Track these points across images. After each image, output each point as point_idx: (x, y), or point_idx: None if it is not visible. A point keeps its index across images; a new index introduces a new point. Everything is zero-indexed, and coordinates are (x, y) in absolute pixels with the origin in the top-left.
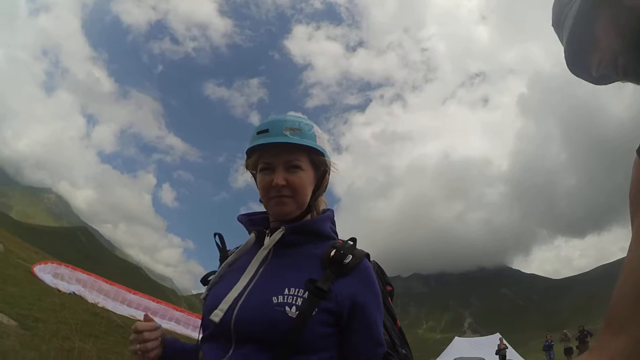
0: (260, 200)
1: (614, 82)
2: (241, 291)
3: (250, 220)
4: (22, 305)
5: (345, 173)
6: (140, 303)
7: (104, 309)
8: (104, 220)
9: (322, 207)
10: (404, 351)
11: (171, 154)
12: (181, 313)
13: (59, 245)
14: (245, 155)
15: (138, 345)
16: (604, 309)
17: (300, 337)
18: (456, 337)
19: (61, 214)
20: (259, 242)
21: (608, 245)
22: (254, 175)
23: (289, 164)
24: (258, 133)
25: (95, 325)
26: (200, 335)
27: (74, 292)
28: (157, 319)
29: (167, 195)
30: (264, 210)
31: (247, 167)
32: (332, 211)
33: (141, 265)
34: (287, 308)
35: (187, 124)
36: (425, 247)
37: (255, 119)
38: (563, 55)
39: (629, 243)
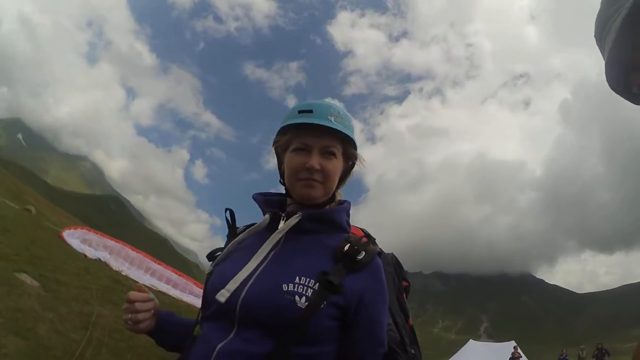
0: (280, 181)
1: None
2: (250, 273)
3: (266, 201)
4: (47, 268)
5: (377, 164)
6: (163, 274)
7: (126, 277)
8: (135, 191)
9: (339, 198)
10: (412, 351)
11: (206, 131)
12: (200, 289)
13: (90, 212)
14: (277, 133)
15: (129, 315)
16: (624, 330)
17: (306, 329)
18: (471, 340)
19: (94, 182)
20: (272, 225)
21: (635, 265)
22: (278, 156)
23: (325, 149)
24: (300, 112)
25: (116, 292)
26: (201, 313)
27: (99, 259)
28: (177, 292)
29: (199, 171)
30: (281, 192)
31: (277, 144)
32: (349, 203)
33: (168, 238)
34: (296, 297)
35: (224, 103)
36: (449, 246)
37: (291, 103)
38: (604, 68)
39: None
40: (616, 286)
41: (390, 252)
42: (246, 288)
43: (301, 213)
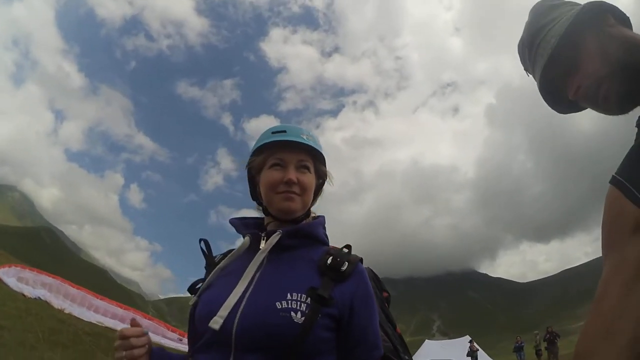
0: (256, 202)
1: (579, 111)
2: (240, 296)
3: (243, 224)
4: None
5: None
6: (108, 309)
7: (70, 316)
8: (69, 220)
9: (312, 215)
10: (406, 357)
11: (140, 153)
12: (149, 321)
13: (23, 246)
14: (251, 154)
15: (124, 352)
16: (570, 311)
17: (305, 343)
18: (427, 340)
19: (25, 212)
20: (253, 246)
21: (572, 250)
22: (252, 177)
23: (300, 163)
24: (273, 133)
25: (63, 333)
26: (190, 347)
27: (39, 297)
28: (125, 326)
29: (135, 196)
30: (257, 217)
31: (251, 165)
32: (324, 217)
33: (107, 269)
34: (292, 314)
35: (158, 123)
36: (394, 251)
37: (227, 121)
38: (533, 74)
39: (591, 249)
40: (557, 272)
41: (366, 266)
42: (239, 312)
43: (281, 230)
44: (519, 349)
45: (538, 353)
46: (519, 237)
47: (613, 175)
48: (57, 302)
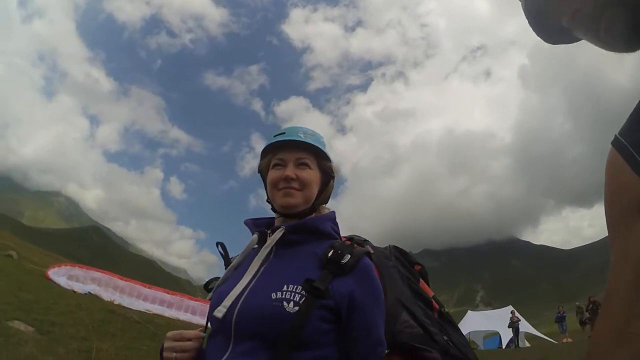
0: (267, 200)
1: (573, 42)
2: (244, 288)
3: (254, 224)
4: (38, 311)
5: (350, 153)
6: (156, 297)
7: (120, 306)
8: (114, 218)
9: (325, 212)
10: (445, 337)
11: (176, 147)
12: (197, 302)
13: (72, 247)
14: (260, 157)
15: (174, 354)
16: None
17: (301, 333)
18: (469, 311)
19: (71, 215)
20: (261, 243)
21: None
22: (264, 179)
23: (299, 161)
24: (275, 136)
25: (112, 323)
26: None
27: (89, 292)
28: (173, 311)
29: (176, 188)
30: (271, 214)
31: (261, 168)
32: (334, 212)
33: (155, 259)
34: (284, 303)
35: (190, 116)
36: (433, 222)
37: (257, 106)
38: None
39: None
40: (601, 237)
41: (387, 245)
42: (240, 302)
43: (284, 226)
44: (560, 319)
45: (584, 322)
46: (561, 202)
47: (616, 136)
48: (107, 295)
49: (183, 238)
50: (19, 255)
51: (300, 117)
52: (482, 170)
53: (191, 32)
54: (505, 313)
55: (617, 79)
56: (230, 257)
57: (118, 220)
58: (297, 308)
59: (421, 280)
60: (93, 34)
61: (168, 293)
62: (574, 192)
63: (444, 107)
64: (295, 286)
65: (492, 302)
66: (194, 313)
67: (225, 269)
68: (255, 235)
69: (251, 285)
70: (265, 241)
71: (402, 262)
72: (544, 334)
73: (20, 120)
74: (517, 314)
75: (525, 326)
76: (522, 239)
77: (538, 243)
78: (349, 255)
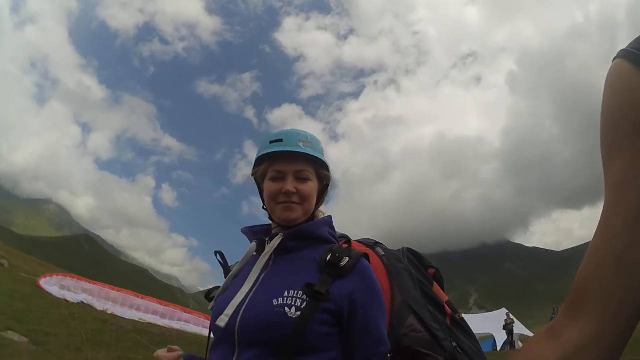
0: (263, 207)
1: None
2: (245, 296)
3: (252, 231)
4: (32, 321)
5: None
6: (149, 307)
7: (113, 315)
8: (106, 226)
9: (321, 216)
10: (454, 344)
11: (168, 155)
12: (189, 315)
13: (63, 255)
14: (254, 164)
15: None
16: None
17: (303, 337)
18: (463, 315)
19: (63, 223)
20: (260, 251)
21: None
22: (258, 185)
23: (299, 174)
24: (271, 142)
25: (106, 333)
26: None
27: (82, 302)
28: (166, 321)
29: (168, 196)
30: (267, 221)
31: (256, 174)
32: (330, 216)
33: (147, 267)
34: (286, 309)
35: (183, 124)
36: (426, 227)
37: (250, 114)
38: None
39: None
40: (592, 238)
41: (402, 247)
42: (242, 310)
43: (282, 233)
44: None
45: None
46: (551, 204)
47: (623, 49)
48: (99, 304)
49: (175, 246)
50: (10, 264)
51: (293, 124)
52: (473, 175)
53: (184, 40)
54: (499, 315)
55: (603, 81)
56: (229, 265)
57: (109, 229)
58: (299, 313)
59: (435, 284)
60: (86, 42)
61: (161, 304)
62: (563, 194)
63: (435, 113)
64: (296, 291)
65: (486, 305)
66: (187, 323)
67: (225, 277)
68: (254, 243)
69: (252, 292)
70: (263, 249)
71: (415, 265)
72: None
73: (11, 127)
74: (511, 316)
75: (520, 328)
76: (514, 242)
77: (530, 245)
78: (348, 258)
